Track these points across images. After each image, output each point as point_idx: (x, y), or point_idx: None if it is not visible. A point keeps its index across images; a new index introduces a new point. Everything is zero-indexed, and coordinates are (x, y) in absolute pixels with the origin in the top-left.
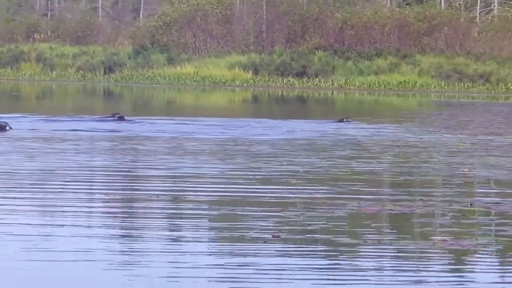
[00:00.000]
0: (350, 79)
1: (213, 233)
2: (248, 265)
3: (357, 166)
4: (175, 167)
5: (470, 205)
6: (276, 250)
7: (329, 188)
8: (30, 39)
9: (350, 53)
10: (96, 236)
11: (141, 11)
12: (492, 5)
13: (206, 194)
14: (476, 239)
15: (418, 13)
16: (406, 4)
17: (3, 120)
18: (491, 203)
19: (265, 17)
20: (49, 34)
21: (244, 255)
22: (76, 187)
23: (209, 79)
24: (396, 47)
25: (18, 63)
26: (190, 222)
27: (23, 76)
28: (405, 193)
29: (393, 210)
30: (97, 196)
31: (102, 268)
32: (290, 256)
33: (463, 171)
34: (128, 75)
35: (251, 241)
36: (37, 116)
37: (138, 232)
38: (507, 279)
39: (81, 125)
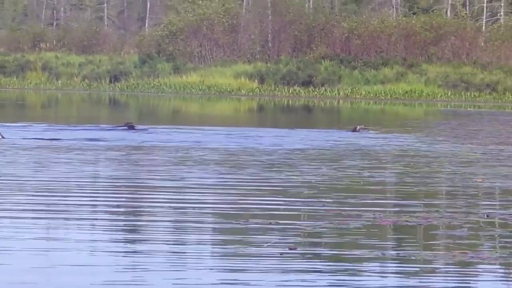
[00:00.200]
0: (356, 88)
1: (227, 247)
2: (263, 281)
3: (370, 176)
4: (186, 177)
5: (487, 216)
6: (293, 264)
7: (342, 199)
8: (36, 48)
9: (356, 62)
10: (100, 251)
11: (147, 20)
12: (499, 14)
13: (219, 207)
14: (496, 252)
15: (424, 22)
16: (413, 13)
17: None
18: (508, 215)
19: (271, 27)
20: (54, 43)
21: (257, 270)
22: (80, 197)
23: (215, 88)
24: (403, 56)
25: (24, 72)
26: (203, 235)
27: (29, 85)
28: (420, 204)
29: (409, 222)
30: (101, 208)
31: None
32: (310, 271)
33: (476, 181)
34: (134, 84)
35: (265, 256)
36: (43, 124)
37: (145, 247)
38: None
39: (89, 134)
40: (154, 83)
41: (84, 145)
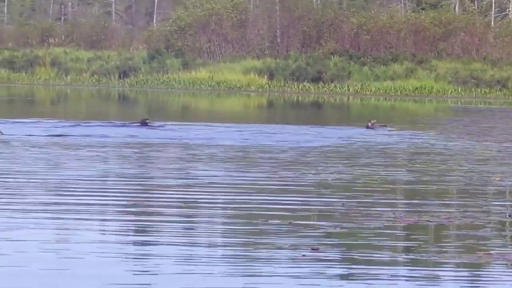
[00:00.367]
0: (366, 85)
1: (247, 247)
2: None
3: (386, 175)
4: (201, 175)
5: (509, 216)
6: (315, 265)
7: (361, 198)
8: (45, 44)
9: (365, 58)
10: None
11: (155, 16)
12: (507, 9)
13: (235, 206)
14: None
15: (433, 18)
16: (421, 8)
17: None
18: None
19: (279, 22)
20: (63, 38)
21: (275, 273)
22: (91, 195)
23: (224, 84)
24: (412, 52)
25: (33, 67)
26: (218, 236)
27: (38, 80)
28: (440, 203)
29: (430, 221)
30: (110, 208)
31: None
32: (330, 277)
33: (494, 179)
34: (143, 79)
35: (287, 259)
36: (55, 121)
37: (155, 251)
38: None
39: (99, 131)
40: (163, 79)
41: (97, 142)
